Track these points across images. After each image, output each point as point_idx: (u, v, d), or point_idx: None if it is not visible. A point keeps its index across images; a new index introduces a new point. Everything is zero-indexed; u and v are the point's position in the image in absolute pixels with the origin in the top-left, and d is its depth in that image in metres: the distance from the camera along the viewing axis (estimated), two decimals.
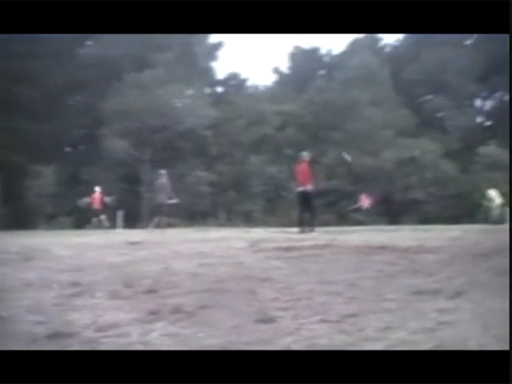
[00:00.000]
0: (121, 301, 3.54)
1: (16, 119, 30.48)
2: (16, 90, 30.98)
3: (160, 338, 2.56)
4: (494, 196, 25.60)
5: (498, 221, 23.51)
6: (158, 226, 17.27)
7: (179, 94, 34.27)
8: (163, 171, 18.10)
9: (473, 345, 2.30)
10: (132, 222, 24.83)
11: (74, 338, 2.58)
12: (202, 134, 35.62)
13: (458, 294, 3.49)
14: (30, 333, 2.71)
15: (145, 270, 5.01)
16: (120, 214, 23.19)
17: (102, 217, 21.62)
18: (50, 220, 27.81)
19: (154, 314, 3.07)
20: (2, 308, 3.39)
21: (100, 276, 4.72)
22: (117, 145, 31.02)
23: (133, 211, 27.16)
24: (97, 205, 21.71)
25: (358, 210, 30.99)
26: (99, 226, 21.04)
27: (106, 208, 21.97)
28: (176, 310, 3.17)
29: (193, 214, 30.69)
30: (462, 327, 2.62)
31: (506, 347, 1.94)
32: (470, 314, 2.92)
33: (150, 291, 3.84)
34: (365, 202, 30.45)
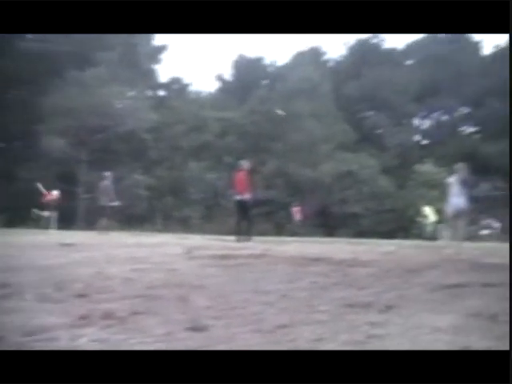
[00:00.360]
0: (51, 304, 3.46)
1: None
2: None
3: (90, 343, 2.52)
4: (429, 213, 26.31)
5: (432, 237, 24.20)
6: (106, 227, 17.48)
7: (121, 95, 33.83)
8: (108, 173, 18.20)
9: None
10: (67, 223, 24.31)
11: (0, 342, 2.51)
12: (142, 137, 35.28)
13: (388, 307, 3.56)
14: None
15: (77, 273, 4.92)
16: (54, 215, 22.67)
17: (46, 213, 21.58)
18: None
19: (85, 319, 3.01)
20: None
21: (30, 278, 4.60)
22: (55, 143, 30.32)
23: (68, 212, 26.54)
24: (47, 201, 21.70)
25: (292, 222, 31.33)
26: (40, 223, 20.96)
27: (52, 208, 21.86)
28: (107, 315, 3.12)
29: (130, 218, 30.32)
30: (391, 341, 2.67)
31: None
32: (399, 328, 2.98)
33: (82, 295, 3.77)
34: (297, 214, 30.82)
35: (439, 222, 24.09)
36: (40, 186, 22.27)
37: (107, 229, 17.42)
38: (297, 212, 30.73)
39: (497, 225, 28.91)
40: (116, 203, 18.18)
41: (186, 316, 3.17)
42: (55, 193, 22.13)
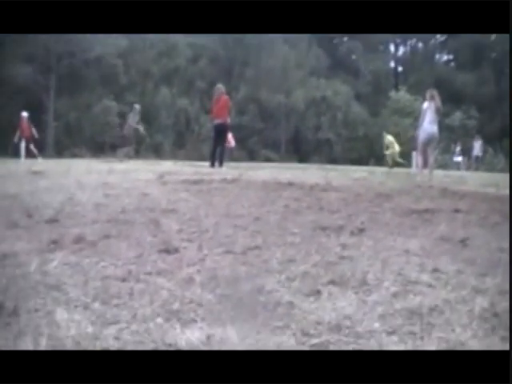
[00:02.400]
0: (20, 230, 3.42)
1: None
2: None
3: (60, 267, 2.50)
4: (392, 142, 25.39)
5: (396, 166, 24.00)
6: (128, 155, 19.42)
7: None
8: (137, 106, 19.78)
9: (371, 278, 2.38)
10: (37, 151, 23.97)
11: None
12: (112, 62, 34.51)
13: (360, 230, 3.59)
14: None
15: (47, 200, 4.86)
16: (23, 144, 22.31)
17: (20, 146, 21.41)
18: None
19: (55, 244, 2.99)
20: None
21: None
22: (19, 70, 29.49)
23: (38, 140, 26.16)
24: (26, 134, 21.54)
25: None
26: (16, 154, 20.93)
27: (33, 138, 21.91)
28: (78, 239, 3.09)
29: (100, 145, 30.07)
30: (363, 262, 2.70)
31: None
32: (370, 250, 3.01)
33: (52, 221, 3.73)
34: (231, 141, 29.11)
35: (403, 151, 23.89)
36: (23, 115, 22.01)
37: (130, 156, 19.36)
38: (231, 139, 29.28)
39: (477, 151, 28.59)
40: (142, 131, 20.05)
41: (157, 239, 3.16)
42: (24, 118, 21.87)
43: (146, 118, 36.30)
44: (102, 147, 29.82)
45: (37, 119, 29.00)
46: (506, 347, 1.67)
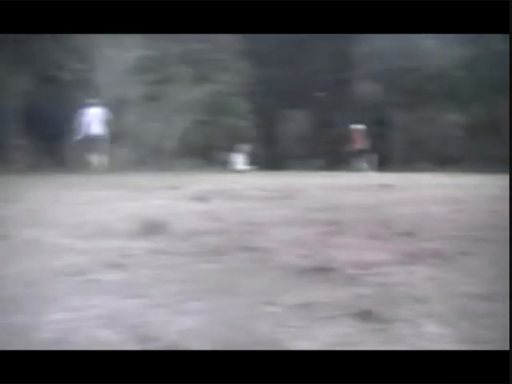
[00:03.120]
0: (378, 241, 3.62)
1: (264, 67, 31.79)
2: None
3: (422, 280, 2.58)
4: None
5: None
6: None
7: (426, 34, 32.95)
8: None
9: None
10: (381, 165, 24.88)
11: (335, 273, 2.71)
12: (453, 74, 33.98)
13: None
14: (295, 265, 2.91)
15: (399, 213, 5.03)
16: (373, 157, 23.33)
17: (362, 159, 22.34)
18: (302, 161, 28.94)
19: (412, 257, 3.09)
20: (262, 240, 3.67)
21: (355, 216, 4.84)
22: (365, 88, 30.95)
23: (382, 155, 27.18)
24: (357, 145, 22.54)
25: None
26: (356, 167, 21.64)
27: (365, 150, 22.74)
28: (433, 254, 3.16)
29: (443, 159, 29.82)
30: None
31: None
32: None
33: (406, 234, 3.86)
34: None
35: None
36: (353, 127, 22.87)
37: None
38: None
39: None
40: None
41: None
42: (358, 127, 22.65)
43: (491, 130, 34.95)
44: (444, 161, 29.54)
45: (381, 134, 30.18)
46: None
